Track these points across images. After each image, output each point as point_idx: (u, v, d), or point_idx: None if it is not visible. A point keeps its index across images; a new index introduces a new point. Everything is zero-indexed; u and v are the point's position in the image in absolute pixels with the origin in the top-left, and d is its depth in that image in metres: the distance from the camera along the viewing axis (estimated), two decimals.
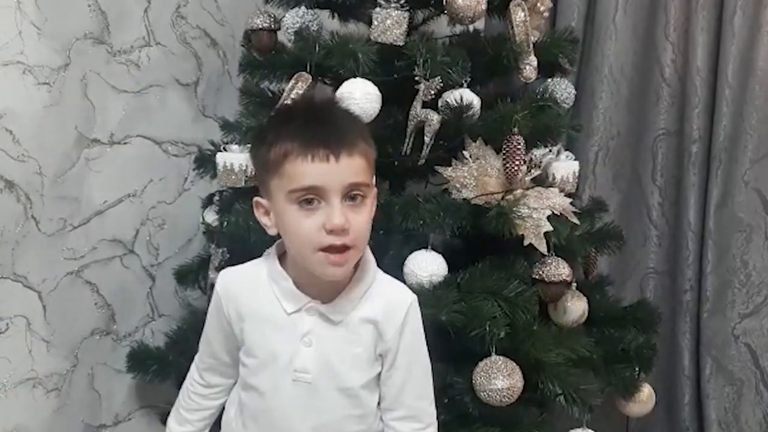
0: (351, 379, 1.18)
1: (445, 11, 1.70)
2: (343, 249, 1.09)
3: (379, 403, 1.23)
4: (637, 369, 1.82)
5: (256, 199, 1.17)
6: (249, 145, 1.50)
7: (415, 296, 1.22)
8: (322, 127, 1.09)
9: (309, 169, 1.06)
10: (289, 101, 1.62)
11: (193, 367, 1.32)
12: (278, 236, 1.17)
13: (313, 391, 1.18)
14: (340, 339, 1.17)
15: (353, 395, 1.19)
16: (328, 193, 1.07)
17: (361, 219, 1.10)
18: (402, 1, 1.64)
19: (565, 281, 1.65)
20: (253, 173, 1.20)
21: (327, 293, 1.16)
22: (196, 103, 2.11)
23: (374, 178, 1.17)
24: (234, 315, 1.20)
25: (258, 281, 1.19)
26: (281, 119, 1.20)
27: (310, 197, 1.07)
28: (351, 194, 1.09)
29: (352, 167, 1.08)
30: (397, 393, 1.21)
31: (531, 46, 1.73)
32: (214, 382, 1.29)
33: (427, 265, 1.58)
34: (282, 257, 1.19)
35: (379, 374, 1.21)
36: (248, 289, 1.20)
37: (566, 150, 1.84)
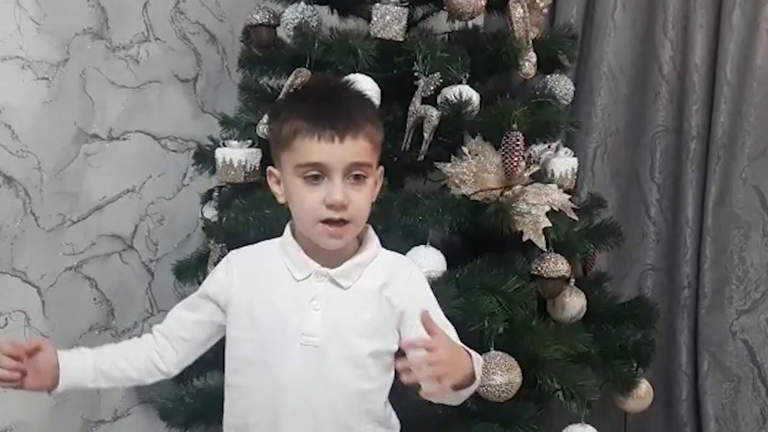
0: (359, 346, 1.19)
1: (445, 7, 1.70)
2: (342, 223, 1.15)
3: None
4: (635, 365, 1.82)
5: (269, 168, 1.24)
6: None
7: (417, 266, 1.34)
8: (332, 109, 1.16)
9: (315, 148, 1.14)
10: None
11: (158, 325, 1.32)
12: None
13: (321, 358, 1.18)
14: (348, 304, 1.20)
15: (361, 365, 1.20)
16: (331, 171, 1.14)
17: (360, 196, 1.17)
18: None
19: (563, 277, 1.65)
20: (269, 144, 1.28)
21: (335, 262, 1.21)
22: (196, 99, 2.11)
23: (379, 158, 1.22)
24: (239, 284, 1.24)
25: (269, 254, 1.25)
26: (297, 98, 1.31)
27: (314, 173, 1.15)
28: (353, 173, 1.16)
29: (355, 149, 1.15)
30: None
31: (530, 42, 1.73)
32: (161, 347, 1.28)
33: (426, 261, 1.58)
34: (294, 232, 1.24)
35: (390, 352, 1.21)
36: (260, 261, 1.25)
37: (565, 146, 1.84)
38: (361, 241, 1.24)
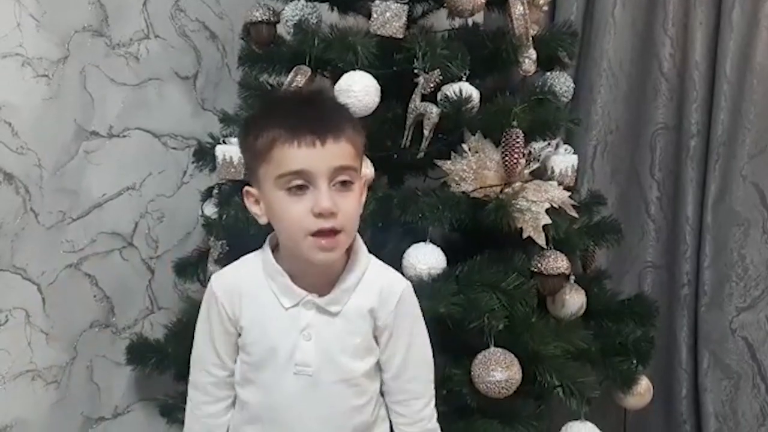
0: (352, 369, 1.19)
1: (445, 4, 1.70)
2: (332, 233, 1.10)
3: (381, 393, 1.25)
4: (634, 362, 1.82)
5: (246, 188, 1.18)
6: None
7: (408, 283, 1.25)
8: (308, 113, 1.12)
9: (296, 154, 1.08)
10: (283, 94, 1.63)
11: (193, 392, 1.26)
12: (270, 227, 1.18)
13: (315, 383, 1.18)
14: (338, 330, 1.18)
15: (355, 384, 1.20)
16: (316, 178, 1.08)
17: (349, 203, 1.11)
18: None
19: (563, 274, 1.65)
20: (243, 163, 1.22)
21: (322, 284, 1.17)
22: (195, 96, 2.11)
23: (362, 167, 1.19)
24: (234, 314, 1.20)
25: (254, 277, 1.19)
26: (268, 108, 1.24)
27: (298, 182, 1.09)
28: (338, 179, 1.10)
29: (338, 151, 1.09)
30: (395, 377, 1.23)
31: (530, 39, 1.73)
32: (223, 395, 1.25)
33: (426, 258, 1.58)
34: (275, 250, 1.20)
35: (377, 362, 1.22)
36: (245, 286, 1.20)
37: (565, 144, 1.84)
38: (349, 253, 1.18)
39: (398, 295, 1.21)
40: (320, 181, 1.08)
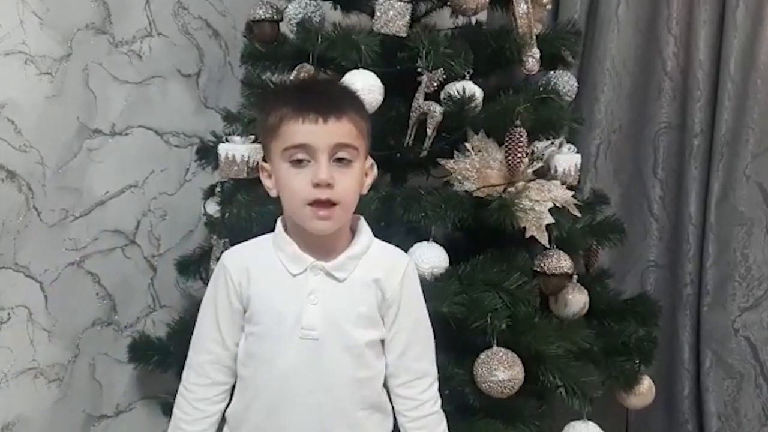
0: (356, 338, 1.22)
1: (448, 3, 1.70)
2: (329, 204, 1.17)
3: (384, 381, 1.27)
4: (637, 362, 1.82)
5: (261, 163, 1.27)
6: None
7: (411, 259, 1.36)
8: (315, 94, 1.22)
9: (300, 129, 1.16)
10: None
11: (188, 373, 1.29)
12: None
13: (320, 349, 1.20)
14: (344, 297, 1.22)
15: (358, 354, 1.22)
16: (316, 152, 1.16)
17: (346, 178, 1.18)
18: None
19: (566, 274, 1.65)
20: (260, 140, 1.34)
21: (329, 254, 1.22)
22: (198, 94, 2.11)
23: (367, 149, 1.24)
24: (241, 286, 1.24)
25: (263, 250, 1.26)
26: (281, 90, 1.37)
27: (300, 156, 1.17)
28: (338, 156, 1.17)
29: (339, 129, 1.17)
30: (401, 356, 1.26)
31: (533, 38, 1.73)
32: (219, 379, 1.27)
33: (429, 257, 1.58)
34: (286, 228, 1.26)
35: (381, 339, 1.25)
36: (254, 258, 1.26)
37: (568, 143, 1.83)
38: (354, 233, 1.26)
39: (403, 268, 1.27)
40: (320, 155, 1.16)
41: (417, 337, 1.28)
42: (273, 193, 1.24)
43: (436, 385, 1.30)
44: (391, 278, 1.25)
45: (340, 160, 1.17)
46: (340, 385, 1.22)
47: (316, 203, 1.16)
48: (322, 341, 1.21)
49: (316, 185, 1.15)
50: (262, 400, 1.23)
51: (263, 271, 1.24)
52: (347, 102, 1.22)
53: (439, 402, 1.30)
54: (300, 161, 1.17)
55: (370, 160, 1.25)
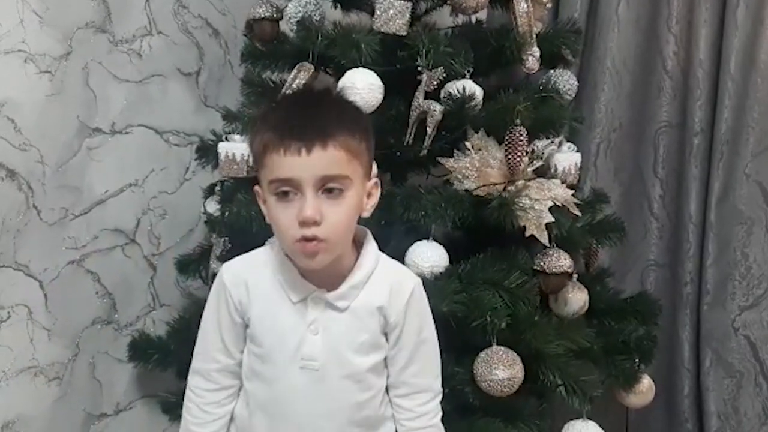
0: (358, 365, 1.20)
1: (448, 1, 1.70)
2: (316, 240, 1.10)
3: (386, 388, 1.25)
4: (637, 361, 1.82)
5: (255, 188, 1.20)
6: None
7: (418, 279, 1.26)
8: (301, 119, 1.11)
9: (282, 162, 1.08)
10: (290, 92, 1.63)
11: (196, 379, 1.27)
12: None
13: (321, 378, 1.19)
14: (346, 326, 1.19)
15: (360, 379, 1.20)
16: (302, 185, 1.09)
17: (336, 212, 1.10)
18: None
19: (566, 273, 1.65)
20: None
21: (331, 280, 1.18)
22: (198, 93, 2.11)
23: (374, 168, 1.19)
24: (242, 304, 1.21)
25: (263, 270, 1.21)
26: (266, 111, 1.23)
27: (285, 189, 1.10)
28: (327, 187, 1.10)
29: (325, 160, 1.08)
30: (401, 371, 1.24)
31: (534, 37, 1.72)
32: (227, 384, 1.26)
33: (429, 255, 1.58)
34: None
35: (384, 358, 1.23)
36: (254, 278, 1.21)
37: (568, 142, 1.83)
38: (359, 249, 1.20)
39: (409, 292, 1.22)
40: (306, 189, 1.09)
41: (420, 355, 1.24)
42: (268, 219, 1.17)
43: (438, 399, 1.27)
44: (396, 303, 1.20)
45: (330, 190, 1.10)
46: (341, 409, 1.20)
47: (303, 239, 1.09)
48: (323, 371, 1.18)
49: (302, 223, 1.08)
50: (263, 415, 1.23)
51: (263, 293, 1.20)
52: (338, 122, 1.11)
53: (440, 415, 1.27)
54: (286, 194, 1.09)
55: (373, 180, 1.18)
